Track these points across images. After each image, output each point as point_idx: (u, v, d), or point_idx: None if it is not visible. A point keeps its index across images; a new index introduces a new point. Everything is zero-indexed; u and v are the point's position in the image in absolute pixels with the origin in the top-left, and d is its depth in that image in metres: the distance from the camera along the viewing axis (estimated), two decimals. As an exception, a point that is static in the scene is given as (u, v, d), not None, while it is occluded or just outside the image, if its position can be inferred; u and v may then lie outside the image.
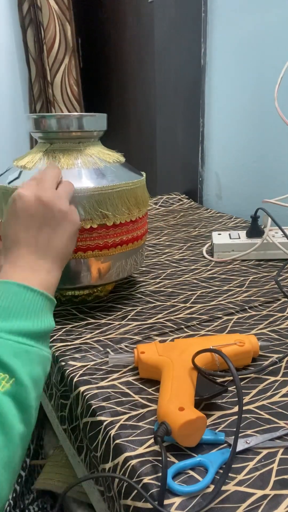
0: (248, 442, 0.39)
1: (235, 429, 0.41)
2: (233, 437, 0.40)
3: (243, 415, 0.43)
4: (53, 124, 0.58)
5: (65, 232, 0.48)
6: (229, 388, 0.47)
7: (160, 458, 0.35)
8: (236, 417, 0.43)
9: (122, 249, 0.60)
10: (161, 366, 0.46)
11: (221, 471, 0.37)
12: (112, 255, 0.60)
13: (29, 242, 0.46)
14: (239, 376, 0.49)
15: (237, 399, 0.45)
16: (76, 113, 0.60)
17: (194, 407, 0.40)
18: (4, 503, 0.33)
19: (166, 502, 0.34)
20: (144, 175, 0.65)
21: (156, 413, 0.42)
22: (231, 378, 0.47)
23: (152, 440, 0.40)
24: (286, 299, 0.66)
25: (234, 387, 0.47)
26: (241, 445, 0.39)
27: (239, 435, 0.40)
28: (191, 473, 0.37)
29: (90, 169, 0.58)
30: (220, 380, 0.47)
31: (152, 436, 0.40)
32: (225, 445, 0.39)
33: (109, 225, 0.57)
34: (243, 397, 0.46)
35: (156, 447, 0.39)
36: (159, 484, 0.35)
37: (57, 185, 0.51)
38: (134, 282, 0.74)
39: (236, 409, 0.44)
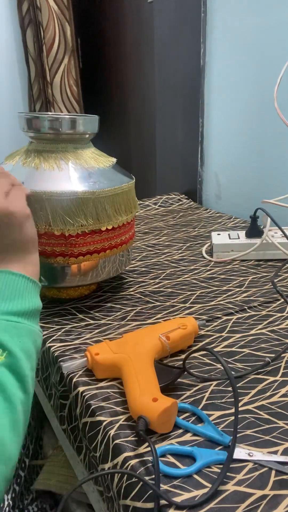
0: (251, 455, 0.38)
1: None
2: (234, 439, 0.40)
3: (242, 415, 0.43)
4: (44, 125, 0.57)
5: (26, 228, 0.49)
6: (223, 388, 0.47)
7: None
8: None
9: (106, 255, 0.61)
10: (120, 364, 0.47)
11: (216, 469, 0.37)
12: (96, 260, 0.60)
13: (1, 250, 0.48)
14: (234, 375, 0.49)
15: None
16: (68, 115, 0.59)
17: (163, 394, 0.42)
18: (13, 465, 0.35)
19: (165, 502, 0.34)
20: (134, 179, 0.65)
21: (130, 410, 0.42)
22: (183, 358, 0.51)
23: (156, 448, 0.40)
24: (283, 300, 0.67)
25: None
26: (242, 455, 0.38)
27: (238, 435, 0.40)
28: (178, 460, 0.38)
29: (80, 171, 0.57)
30: (177, 364, 0.50)
31: (152, 436, 0.40)
32: (221, 447, 0.39)
33: (95, 230, 0.57)
34: (242, 398, 0.46)
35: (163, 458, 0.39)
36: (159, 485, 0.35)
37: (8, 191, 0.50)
38: (134, 282, 0.74)
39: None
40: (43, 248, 0.57)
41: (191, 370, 0.49)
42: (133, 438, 0.40)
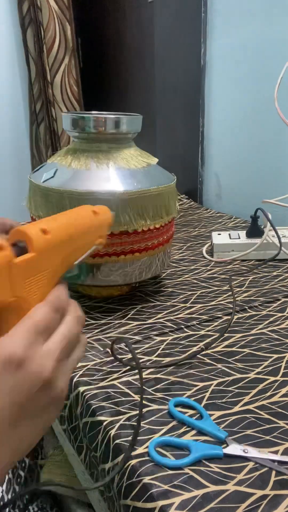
0: (246, 452, 0.38)
1: (234, 429, 0.41)
2: (232, 438, 0.40)
3: (243, 415, 0.43)
4: (90, 124, 0.57)
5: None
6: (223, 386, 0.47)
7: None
8: (237, 416, 0.43)
9: (141, 256, 0.60)
10: None
11: (206, 461, 0.37)
12: (131, 260, 0.60)
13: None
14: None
15: (236, 398, 0.45)
16: (113, 114, 0.59)
17: None
18: None
19: (165, 502, 0.34)
20: (175, 178, 0.64)
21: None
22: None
23: (151, 440, 0.40)
24: (286, 299, 0.66)
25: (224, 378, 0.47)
26: (237, 451, 0.39)
27: (238, 434, 0.40)
28: (174, 452, 0.38)
29: (121, 171, 0.57)
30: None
31: (152, 436, 0.40)
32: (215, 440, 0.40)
33: (130, 232, 0.57)
34: (243, 397, 0.46)
35: (159, 448, 0.39)
36: (158, 484, 0.35)
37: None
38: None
39: (236, 408, 0.44)
40: None
41: (191, 371, 0.49)
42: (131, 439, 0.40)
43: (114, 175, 0.57)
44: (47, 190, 0.57)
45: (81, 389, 0.47)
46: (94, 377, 0.49)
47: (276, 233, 0.78)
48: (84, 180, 0.56)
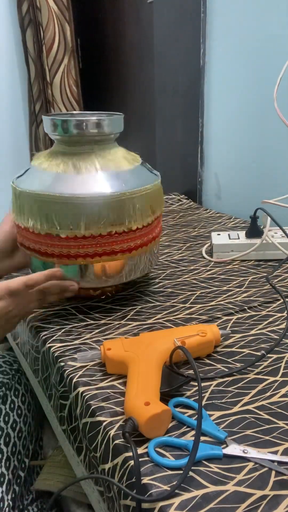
0: (245, 452, 0.38)
1: (234, 429, 0.41)
2: (231, 438, 0.40)
3: (242, 415, 0.43)
4: (69, 126, 0.57)
5: None
6: (225, 388, 0.47)
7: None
8: (237, 417, 0.43)
9: (132, 254, 0.60)
10: (127, 362, 0.47)
11: (206, 462, 0.37)
12: (118, 260, 0.60)
13: None
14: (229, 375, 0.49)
15: (236, 398, 0.45)
16: (92, 114, 0.59)
17: (159, 400, 0.41)
18: None
19: (165, 502, 0.34)
20: (159, 176, 0.64)
21: (124, 409, 0.42)
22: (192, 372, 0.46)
23: (151, 440, 0.40)
24: (285, 299, 0.66)
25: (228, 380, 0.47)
26: (237, 451, 0.38)
27: (238, 435, 0.40)
28: (173, 452, 0.39)
29: (107, 172, 0.57)
30: (187, 372, 0.48)
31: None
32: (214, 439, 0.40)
33: (119, 231, 0.57)
34: (242, 398, 0.46)
35: (159, 449, 0.39)
36: (158, 484, 0.35)
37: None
38: (134, 282, 0.74)
39: (236, 409, 0.44)
40: (67, 250, 0.57)
41: (191, 371, 0.49)
42: (133, 438, 0.40)
43: (99, 176, 0.57)
44: (33, 195, 0.56)
45: (81, 389, 0.47)
46: (94, 378, 0.49)
47: (284, 232, 0.77)
48: (68, 183, 0.56)
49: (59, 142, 0.60)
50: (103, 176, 0.57)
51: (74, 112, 0.60)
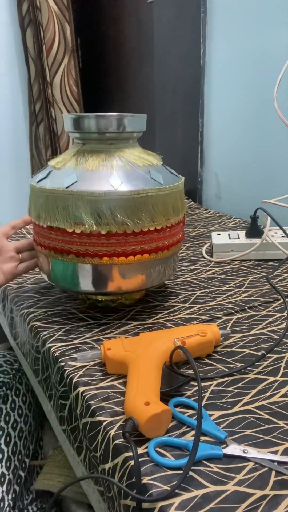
0: (246, 452, 0.38)
1: (234, 429, 0.41)
2: (232, 438, 0.40)
3: (242, 415, 0.43)
4: (91, 125, 0.56)
5: None
6: (223, 388, 0.47)
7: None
8: (237, 417, 0.43)
9: (143, 258, 0.58)
10: (127, 362, 0.47)
11: (206, 462, 0.37)
12: (133, 263, 0.57)
13: None
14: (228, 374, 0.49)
15: (236, 398, 0.45)
16: (115, 114, 0.57)
17: (159, 400, 0.41)
18: None
19: (165, 502, 0.34)
20: (183, 179, 0.63)
21: (124, 409, 0.42)
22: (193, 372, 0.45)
23: (151, 440, 0.40)
24: (285, 299, 0.66)
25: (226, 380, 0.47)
26: (237, 451, 0.38)
27: (238, 435, 0.40)
28: (173, 452, 0.39)
29: (124, 172, 0.56)
30: (187, 372, 0.48)
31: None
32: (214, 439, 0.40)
33: (129, 232, 0.55)
34: (242, 397, 0.46)
35: (159, 449, 0.39)
36: (158, 484, 0.35)
37: None
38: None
39: (236, 409, 0.44)
40: (85, 248, 0.55)
41: (191, 371, 0.49)
42: (133, 438, 0.40)
43: (120, 175, 0.55)
44: (51, 192, 0.55)
45: (81, 389, 0.47)
46: (94, 378, 0.49)
47: (284, 232, 0.77)
48: (87, 181, 0.55)
49: (79, 140, 0.59)
50: (121, 175, 0.55)
51: (96, 114, 0.59)
